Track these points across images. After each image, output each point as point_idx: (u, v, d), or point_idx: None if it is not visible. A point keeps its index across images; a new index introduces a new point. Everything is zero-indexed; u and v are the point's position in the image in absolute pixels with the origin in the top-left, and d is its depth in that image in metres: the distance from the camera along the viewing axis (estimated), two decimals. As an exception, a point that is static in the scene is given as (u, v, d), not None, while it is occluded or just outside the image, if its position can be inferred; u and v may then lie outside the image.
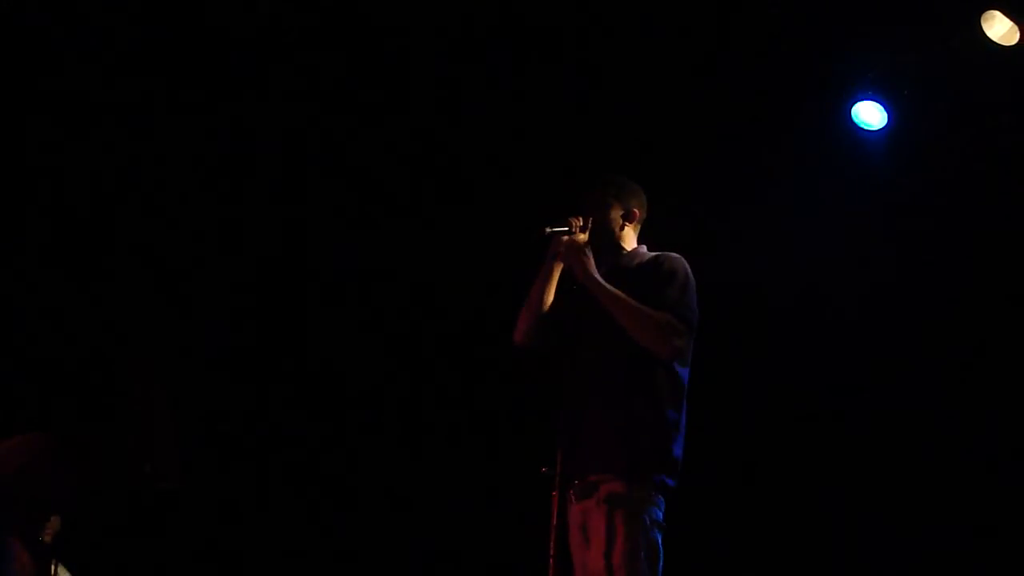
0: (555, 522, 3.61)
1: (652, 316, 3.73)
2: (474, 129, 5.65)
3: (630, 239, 4.06)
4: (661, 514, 3.67)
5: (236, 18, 5.20)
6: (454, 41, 5.37)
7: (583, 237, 3.89)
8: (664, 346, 3.72)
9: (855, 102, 5.48)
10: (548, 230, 3.87)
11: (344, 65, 5.45)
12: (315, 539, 5.81)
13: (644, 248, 4.05)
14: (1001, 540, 5.39)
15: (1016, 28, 4.97)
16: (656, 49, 5.36)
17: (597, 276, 3.82)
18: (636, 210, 4.05)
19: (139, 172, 5.52)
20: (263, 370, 5.84)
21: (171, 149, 5.51)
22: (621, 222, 4.03)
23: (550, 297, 3.93)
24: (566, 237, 3.88)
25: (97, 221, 5.51)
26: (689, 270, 3.87)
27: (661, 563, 3.62)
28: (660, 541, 3.63)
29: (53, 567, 4.14)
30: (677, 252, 3.93)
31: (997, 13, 4.99)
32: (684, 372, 3.82)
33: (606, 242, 3.97)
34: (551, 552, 3.56)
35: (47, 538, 4.13)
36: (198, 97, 5.44)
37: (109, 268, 5.56)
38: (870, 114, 5.48)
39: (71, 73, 5.18)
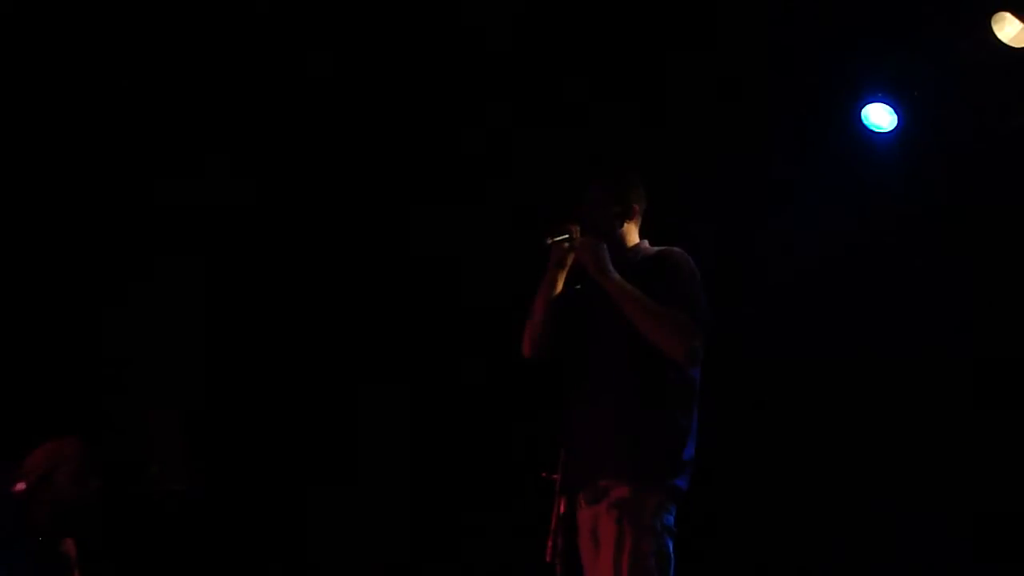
0: (554, 527, 3.55)
1: (670, 315, 3.67)
2: (474, 135, 5.64)
3: (631, 235, 3.99)
4: (672, 519, 3.64)
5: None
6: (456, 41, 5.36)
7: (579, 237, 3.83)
8: (682, 347, 3.67)
9: (864, 104, 5.46)
10: (549, 240, 3.82)
11: (340, 66, 5.43)
12: (318, 541, 5.80)
13: (646, 243, 4.00)
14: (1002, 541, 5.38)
15: (1027, 30, 4.96)
16: (664, 52, 5.34)
17: (613, 273, 3.75)
18: (635, 205, 4.00)
19: (144, 176, 5.52)
20: (270, 373, 5.83)
21: (177, 151, 5.51)
22: (621, 219, 3.97)
23: (554, 307, 3.86)
24: (567, 245, 3.83)
25: (105, 226, 5.52)
26: (694, 265, 3.82)
27: (672, 569, 3.58)
28: (671, 547, 3.60)
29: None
30: (682, 250, 3.88)
31: (1008, 15, 4.97)
32: (695, 373, 3.78)
33: (607, 240, 3.90)
34: (547, 559, 3.51)
35: (71, 551, 4.11)
36: (202, 94, 5.43)
37: (115, 272, 5.56)
38: (880, 116, 5.46)
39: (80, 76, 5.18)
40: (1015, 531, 5.32)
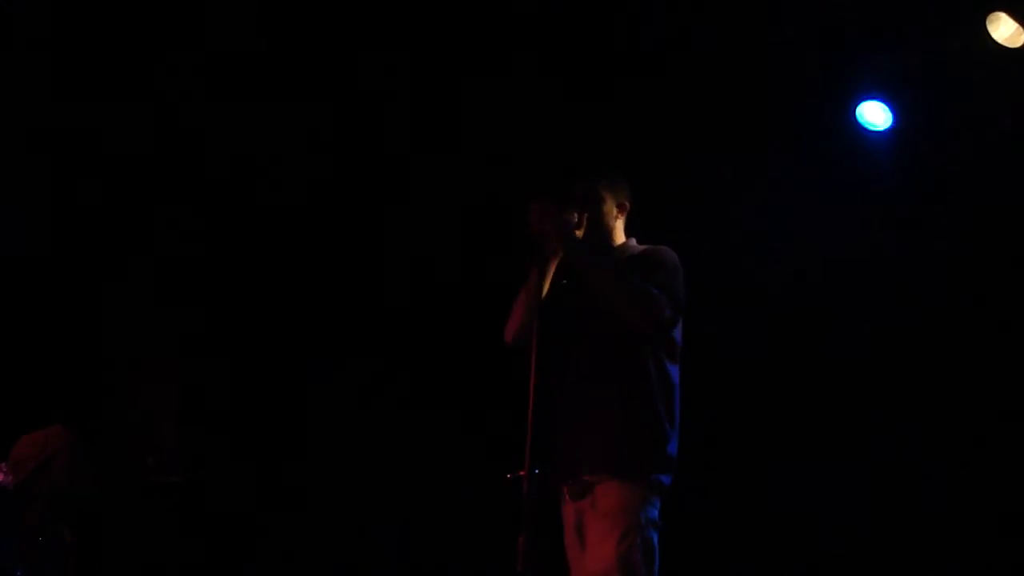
0: (523, 529, 3.44)
1: (636, 287, 3.69)
2: (469, 123, 5.65)
3: (620, 232, 4.02)
4: (657, 513, 3.66)
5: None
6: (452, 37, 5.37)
7: (578, 233, 3.84)
8: (647, 318, 3.67)
9: (860, 102, 5.47)
10: None
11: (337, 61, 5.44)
12: (307, 535, 5.82)
13: (634, 241, 4.02)
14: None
15: (1022, 30, 4.95)
16: (659, 48, 5.35)
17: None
18: (626, 202, 4.03)
19: (142, 169, 5.54)
20: (263, 364, 5.86)
21: (173, 146, 5.53)
22: (615, 214, 4.00)
23: (542, 296, 3.82)
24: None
25: (102, 219, 5.54)
26: (679, 262, 3.84)
27: (657, 562, 3.61)
28: (656, 540, 3.62)
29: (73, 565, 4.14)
30: (675, 250, 3.90)
31: (1003, 15, 4.97)
32: (675, 369, 3.80)
33: (602, 237, 3.93)
34: (519, 567, 3.40)
35: (68, 540, 4.12)
36: (200, 92, 5.44)
37: (112, 265, 5.59)
38: (875, 114, 5.47)
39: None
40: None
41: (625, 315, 3.69)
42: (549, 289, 3.87)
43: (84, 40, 5.09)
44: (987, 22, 4.99)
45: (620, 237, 4.03)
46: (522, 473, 3.45)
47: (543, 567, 3.51)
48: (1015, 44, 4.99)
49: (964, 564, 5.31)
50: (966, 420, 5.52)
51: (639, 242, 4.03)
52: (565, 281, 3.88)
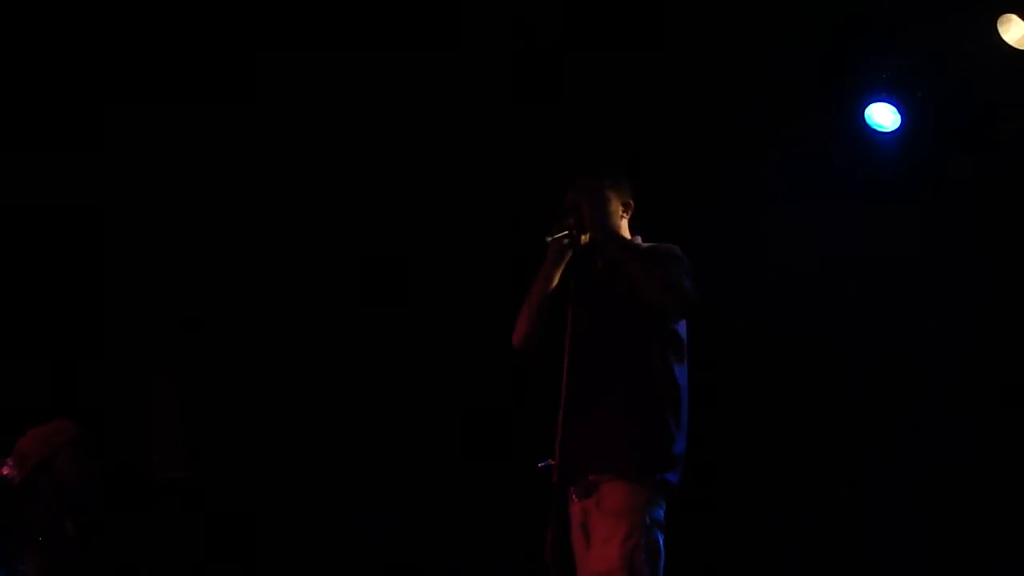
0: (550, 520, 3.46)
1: (665, 271, 3.75)
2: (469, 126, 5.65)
3: (625, 231, 4.02)
4: (662, 513, 3.65)
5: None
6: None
7: (585, 238, 3.83)
8: (676, 301, 3.74)
9: (868, 103, 5.47)
10: (548, 237, 3.81)
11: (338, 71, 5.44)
12: (315, 529, 5.83)
13: (639, 239, 4.03)
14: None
15: (1031, 32, 4.96)
16: (668, 49, 5.34)
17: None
18: (631, 200, 4.03)
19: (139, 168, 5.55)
20: (267, 361, 5.86)
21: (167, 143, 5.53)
22: (621, 213, 4.00)
23: (549, 300, 3.84)
24: (566, 241, 3.81)
25: (101, 218, 5.55)
26: (684, 257, 3.86)
27: (662, 563, 3.60)
28: (661, 541, 3.61)
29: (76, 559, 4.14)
30: (681, 250, 3.90)
31: (1013, 17, 4.98)
32: (681, 368, 3.81)
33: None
34: (545, 554, 3.42)
35: (71, 531, 4.12)
36: (196, 92, 5.44)
37: (112, 260, 5.59)
38: (883, 116, 5.47)
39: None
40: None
41: (656, 297, 3.74)
42: (556, 289, 3.86)
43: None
44: (997, 24, 4.99)
45: (625, 235, 4.01)
46: (552, 462, 3.48)
47: (568, 558, 3.56)
48: (1024, 46, 4.99)
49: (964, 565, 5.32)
50: (968, 420, 5.51)
51: (644, 240, 4.02)
52: (572, 282, 3.87)
